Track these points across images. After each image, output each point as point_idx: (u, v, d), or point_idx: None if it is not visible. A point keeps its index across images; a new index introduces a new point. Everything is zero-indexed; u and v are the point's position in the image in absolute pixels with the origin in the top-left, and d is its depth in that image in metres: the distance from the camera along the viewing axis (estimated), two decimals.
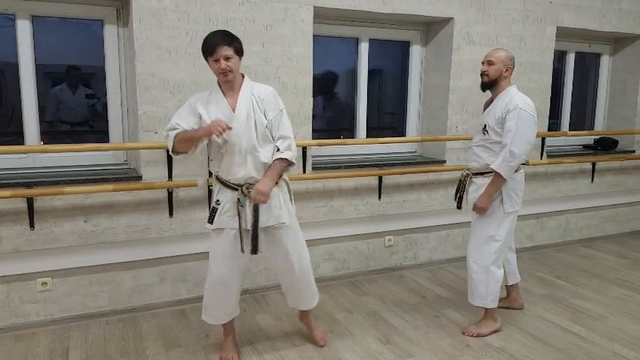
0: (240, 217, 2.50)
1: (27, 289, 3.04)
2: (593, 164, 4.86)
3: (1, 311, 3.00)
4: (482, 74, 2.94)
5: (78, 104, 3.77)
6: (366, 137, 4.13)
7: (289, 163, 2.54)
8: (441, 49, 4.07)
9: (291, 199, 2.69)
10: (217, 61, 2.39)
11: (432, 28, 4.14)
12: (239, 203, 2.49)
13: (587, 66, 5.24)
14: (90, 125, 3.87)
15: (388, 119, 4.64)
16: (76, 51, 3.54)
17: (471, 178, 3.05)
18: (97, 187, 3.00)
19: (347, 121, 4.24)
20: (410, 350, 2.87)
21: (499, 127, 2.85)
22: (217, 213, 2.54)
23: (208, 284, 2.65)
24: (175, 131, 2.45)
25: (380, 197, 3.95)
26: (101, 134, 3.46)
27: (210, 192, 3.31)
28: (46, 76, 3.43)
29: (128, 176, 3.14)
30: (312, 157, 3.69)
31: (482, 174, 2.97)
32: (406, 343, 2.95)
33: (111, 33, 3.24)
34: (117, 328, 3.10)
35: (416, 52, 4.22)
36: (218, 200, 2.55)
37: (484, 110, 3.05)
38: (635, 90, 4.96)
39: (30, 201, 2.93)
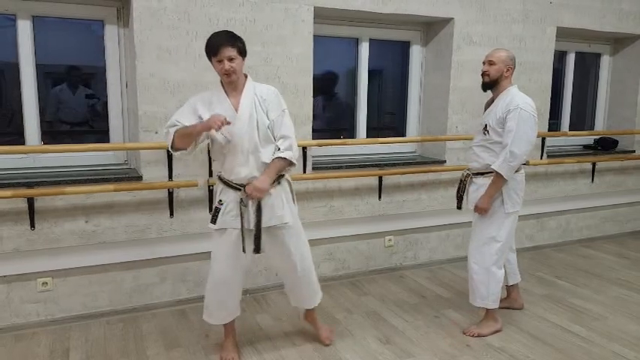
0: (242, 217, 2.50)
1: (27, 289, 3.04)
2: (594, 164, 4.86)
3: (1, 311, 3.00)
4: (483, 74, 2.94)
5: (78, 104, 3.77)
6: (366, 137, 4.13)
7: (289, 163, 2.54)
8: (441, 49, 4.07)
9: (293, 199, 2.70)
10: (221, 61, 2.40)
11: (432, 28, 4.15)
12: (242, 203, 2.50)
13: (587, 66, 5.24)
14: (90, 125, 3.87)
15: (388, 119, 4.64)
16: (76, 51, 3.54)
17: (471, 178, 3.05)
18: (98, 187, 3.00)
19: (347, 121, 4.24)
20: (410, 350, 2.87)
21: (500, 127, 2.85)
22: (220, 213, 2.54)
23: (210, 284, 2.66)
24: (175, 127, 2.46)
25: (380, 197, 3.95)
26: (101, 134, 3.46)
27: (210, 192, 3.31)
28: (46, 76, 3.43)
29: (128, 176, 3.14)
30: (313, 157, 3.70)
31: (482, 174, 2.97)
32: (406, 343, 2.95)
33: (111, 33, 3.24)
34: (117, 328, 3.10)
35: (416, 53, 4.22)
36: (221, 200, 2.56)
37: (485, 110, 3.05)
38: (635, 90, 4.97)
39: (30, 201, 2.93)
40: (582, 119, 5.29)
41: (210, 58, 2.45)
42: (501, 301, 3.11)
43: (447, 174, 4.12)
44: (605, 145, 4.97)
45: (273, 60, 3.39)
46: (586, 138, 5.09)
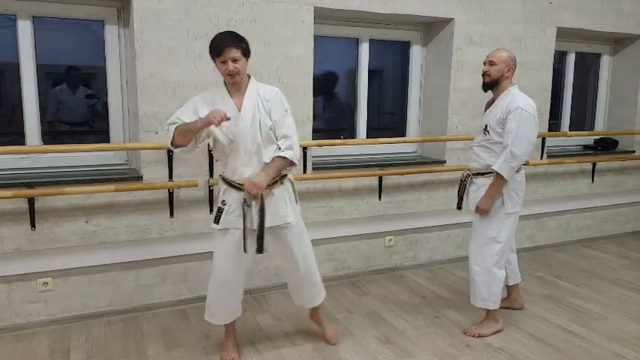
0: (245, 218, 2.50)
1: (28, 289, 3.04)
2: (594, 164, 4.86)
3: (2, 311, 3.00)
4: (484, 74, 2.94)
5: (78, 104, 3.78)
6: (367, 137, 4.13)
7: (290, 163, 2.54)
8: (442, 49, 4.07)
9: (296, 198, 2.70)
10: (225, 62, 2.39)
11: (432, 28, 4.15)
12: (245, 203, 2.50)
13: (587, 66, 5.24)
14: (90, 125, 3.88)
15: (388, 119, 4.65)
16: (76, 51, 3.55)
17: (471, 178, 3.06)
18: (98, 187, 3.00)
19: (347, 121, 4.24)
20: (410, 350, 2.87)
21: (500, 127, 2.85)
22: (223, 213, 2.54)
23: (212, 284, 2.66)
24: (175, 125, 2.46)
25: (380, 197, 3.95)
26: (101, 134, 3.46)
27: (211, 192, 3.31)
28: (46, 77, 3.43)
29: (129, 176, 3.14)
30: (313, 157, 3.70)
31: (482, 174, 2.97)
32: (406, 343, 2.96)
33: (112, 33, 3.24)
34: (118, 328, 3.10)
35: (416, 53, 4.23)
36: (224, 200, 2.56)
37: (485, 110, 3.05)
38: (635, 90, 4.97)
39: (31, 201, 2.94)
40: (582, 119, 5.29)
41: (213, 59, 2.45)
42: (502, 301, 3.11)
43: (447, 174, 4.12)
44: (605, 146, 4.97)
45: (274, 60, 3.39)
46: (586, 138, 5.10)
